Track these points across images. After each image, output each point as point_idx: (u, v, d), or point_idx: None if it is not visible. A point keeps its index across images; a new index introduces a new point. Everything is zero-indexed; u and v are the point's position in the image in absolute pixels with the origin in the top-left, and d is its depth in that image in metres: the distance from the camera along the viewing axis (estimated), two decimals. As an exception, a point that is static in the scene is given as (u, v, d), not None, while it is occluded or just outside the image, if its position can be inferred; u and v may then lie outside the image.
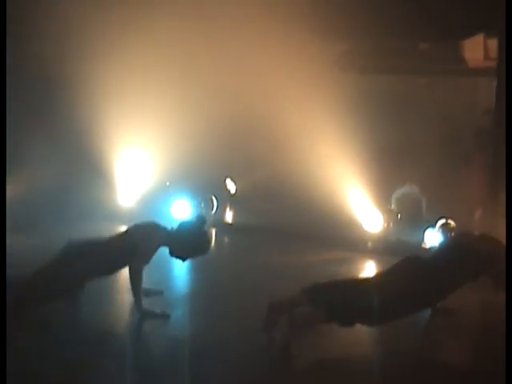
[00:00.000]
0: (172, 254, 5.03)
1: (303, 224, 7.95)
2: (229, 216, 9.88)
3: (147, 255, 4.89)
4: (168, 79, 8.43)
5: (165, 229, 5.04)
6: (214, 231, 8.56)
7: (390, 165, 9.11)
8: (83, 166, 8.22)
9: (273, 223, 8.32)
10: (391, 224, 7.75)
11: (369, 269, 6.89)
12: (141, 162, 9.01)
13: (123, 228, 7.89)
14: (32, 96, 7.93)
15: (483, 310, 5.14)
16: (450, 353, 4.45)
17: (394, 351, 4.13)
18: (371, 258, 7.11)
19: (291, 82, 8.76)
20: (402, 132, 9.83)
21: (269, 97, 8.96)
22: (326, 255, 7.08)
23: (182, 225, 5.07)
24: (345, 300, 4.18)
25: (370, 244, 7.47)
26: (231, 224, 9.15)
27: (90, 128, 8.05)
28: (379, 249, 7.31)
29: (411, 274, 4.51)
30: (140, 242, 4.88)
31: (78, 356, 4.04)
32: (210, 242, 5.12)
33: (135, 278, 4.76)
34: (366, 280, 4.67)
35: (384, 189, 8.32)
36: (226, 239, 8.46)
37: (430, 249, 6.68)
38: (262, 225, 8.39)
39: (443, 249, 5.24)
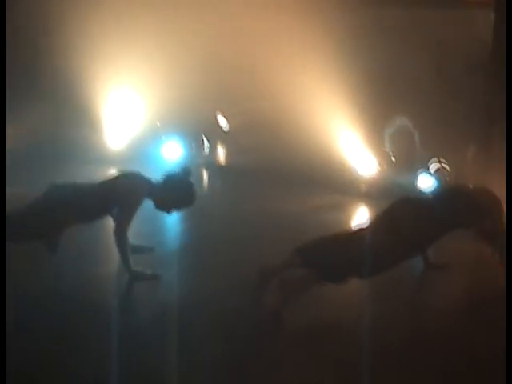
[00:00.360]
0: (156, 206, 4.94)
1: (295, 168, 7.80)
2: (220, 154, 9.84)
3: (131, 208, 4.73)
4: (156, 18, 8.24)
5: (149, 180, 4.92)
6: (205, 172, 8.60)
7: (383, 102, 8.99)
8: (71, 109, 8.10)
9: (264, 165, 8.22)
10: (385, 166, 7.67)
11: (362, 214, 6.86)
12: (130, 102, 8.87)
13: (113, 171, 7.99)
14: (18, 43, 7.74)
15: (476, 262, 5.11)
16: (444, 308, 4.41)
17: (387, 314, 4.11)
18: (365, 202, 7.06)
19: (281, 17, 8.59)
20: (395, 66, 9.65)
21: (260, 33, 8.77)
22: (319, 200, 7.02)
23: (166, 176, 4.94)
24: (336, 254, 4.13)
25: (363, 187, 7.42)
26: (223, 165, 9.10)
27: (78, 70, 7.90)
28: (373, 192, 7.25)
29: (402, 217, 4.45)
30: (124, 192, 4.76)
31: (61, 315, 4.05)
32: (194, 194, 4.94)
33: (121, 236, 4.63)
34: (358, 230, 4.57)
35: (377, 130, 8.23)
36: (217, 181, 8.40)
37: (424, 193, 6.62)
38: (254, 167, 8.32)
39: (438, 194, 5.27)
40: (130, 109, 8.83)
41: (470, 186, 5.05)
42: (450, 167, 7.22)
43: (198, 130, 9.31)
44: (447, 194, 4.86)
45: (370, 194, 7.24)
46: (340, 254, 4.13)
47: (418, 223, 4.41)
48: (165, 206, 4.95)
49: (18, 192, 5.98)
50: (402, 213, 4.52)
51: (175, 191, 4.89)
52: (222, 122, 11.08)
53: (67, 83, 7.93)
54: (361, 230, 4.51)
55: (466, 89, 8.35)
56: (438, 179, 7.04)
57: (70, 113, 8.16)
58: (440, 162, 7.22)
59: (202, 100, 9.71)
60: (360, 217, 6.80)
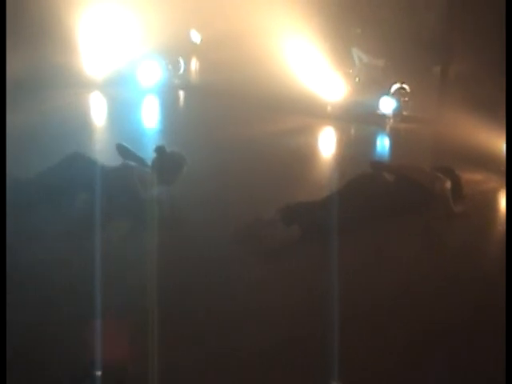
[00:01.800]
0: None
1: (264, 89, 8.16)
2: (194, 73, 10.20)
3: None
4: None
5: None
6: (181, 93, 8.99)
7: (348, 23, 9.33)
8: (52, 37, 8.25)
9: (235, 86, 8.50)
10: (350, 88, 8.11)
11: (328, 136, 7.36)
12: (105, 24, 9.00)
13: (90, 95, 8.34)
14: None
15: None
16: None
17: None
18: (330, 124, 7.50)
19: None
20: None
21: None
22: (288, 122, 7.44)
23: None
24: (315, 216, 4.48)
25: (329, 109, 7.84)
26: (196, 85, 9.48)
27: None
28: (338, 114, 7.69)
29: (367, 189, 4.79)
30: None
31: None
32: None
33: None
34: (331, 196, 4.81)
35: (342, 51, 8.63)
36: (191, 102, 8.73)
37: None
38: (226, 86, 8.58)
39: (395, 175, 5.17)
40: (107, 34, 8.98)
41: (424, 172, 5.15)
42: (411, 90, 7.70)
43: (174, 48, 9.56)
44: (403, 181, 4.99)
45: (336, 115, 7.69)
46: (319, 216, 4.47)
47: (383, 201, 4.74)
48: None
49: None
50: (365, 186, 4.82)
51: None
52: (195, 37, 11.38)
53: (47, 13, 8.08)
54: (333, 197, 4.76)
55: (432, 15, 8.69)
56: (397, 101, 7.55)
57: (51, 42, 8.31)
58: (401, 84, 7.69)
59: (176, 18, 9.93)
60: (326, 139, 7.32)
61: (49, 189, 4.85)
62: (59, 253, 4.08)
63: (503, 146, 5.81)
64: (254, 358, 3.09)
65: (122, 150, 5.19)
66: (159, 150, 5.11)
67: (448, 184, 4.97)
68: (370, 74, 8.54)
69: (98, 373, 2.31)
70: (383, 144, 7.24)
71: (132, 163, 5.02)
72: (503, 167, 5.61)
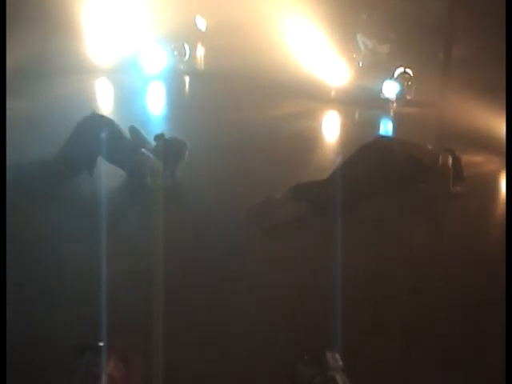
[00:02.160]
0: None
1: (268, 75, 8.26)
2: (199, 59, 10.26)
3: None
4: None
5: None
6: (187, 79, 9.06)
7: (352, 10, 9.38)
8: (58, 24, 8.31)
9: (240, 71, 8.60)
10: (353, 73, 8.17)
11: (333, 120, 7.44)
12: (110, 10, 9.03)
13: (96, 82, 8.42)
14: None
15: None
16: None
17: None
18: (335, 108, 7.58)
19: None
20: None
21: None
22: (292, 107, 7.54)
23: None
24: (323, 192, 4.62)
25: (333, 93, 7.92)
26: (202, 70, 9.55)
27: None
28: (342, 98, 7.77)
29: (370, 164, 4.85)
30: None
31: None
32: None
33: None
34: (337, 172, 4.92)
35: (345, 37, 8.69)
36: (197, 87, 8.77)
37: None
38: (231, 72, 8.67)
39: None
40: (112, 20, 9.03)
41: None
42: (415, 75, 7.75)
43: (179, 34, 9.63)
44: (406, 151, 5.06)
45: (340, 99, 7.77)
46: (326, 191, 4.62)
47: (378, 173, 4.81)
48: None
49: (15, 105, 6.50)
50: (364, 162, 4.90)
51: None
52: (201, 24, 11.43)
53: (52, 2, 8.13)
54: (337, 172, 4.88)
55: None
56: (401, 85, 7.61)
57: (56, 28, 8.37)
58: (404, 68, 7.74)
59: (181, 4, 9.98)
60: (331, 123, 7.40)
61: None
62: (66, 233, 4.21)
63: (504, 129, 5.89)
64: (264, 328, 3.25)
65: (134, 133, 5.30)
66: (159, 137, 5.22)
67: (450, 161, 5.06)
68: (374, 59, 8.59)
69: (101, 344, 2.40)
70: (387, 128, 7.30)
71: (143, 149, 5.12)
72: (503, 149, 5.69)
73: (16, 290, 3.34)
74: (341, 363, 2.45)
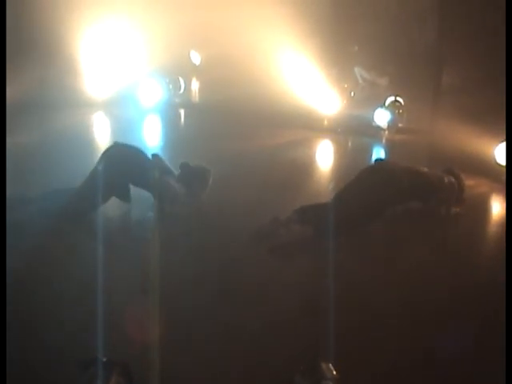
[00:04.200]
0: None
1: (262, 104, 8.47)
2: (194, 92, 10.45)
3: None
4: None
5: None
6: (182, 112, 9.22)
7: (345, 41, 9.61)
8: (56, 60, 8.50)
9: (234, 102, 8.81)
10: (345, 102, 8.34)
11: (325, 149, 7.55)
12: (107, 46, 9.30)
13: (93, 116, 8.56)
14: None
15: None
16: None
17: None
18: (328, 137, 7.73)
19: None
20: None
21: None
22: (287, 136, 7.67)
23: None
24: (327, 215, 4.67)
25: (326, 123, 8.08)
26: (196, 103, 9.72)
27: (60, 23, 8.28)
28: (335, 127, 7.94)
29: (371, 184, 5.00)
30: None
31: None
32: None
33: None
34: (340, 194, 5.07)
35: (338, 67, 8.87)
36: (192, 119, 8.94)
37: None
38: (225, 103, 8.89)
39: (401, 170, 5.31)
40: (109, 55, 9.27)
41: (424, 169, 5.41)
42: (405, 103, 7.92)
43: (174, 68, 9.82)
44: (408, 173, 5.20)
45: (332, 128, 7.92)
46: (331, 214, 4.70)
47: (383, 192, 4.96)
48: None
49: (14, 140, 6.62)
50: (368, 182, 5.03)
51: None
52: (195, 58, 11.66)
53: (51, 38, 8.32)
54: (342, 195, 5.03)
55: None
56: (392, 113, 7.77)
57: (54, 64, 8.55)
58: (395, 97, 7.91)
59: (176, 39, 10.21)
60: (324, 151, 7.52)
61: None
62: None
63: (493, 153, 6.04)
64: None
65: (157, 161, 5.37)
66: (183, 166, 5.35)
67: (454, 180, 5.24)
68: (368, 90, 8.78)
69: (104, 359, 2.47)
70: (379, 155, 7.42)
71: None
72: (493, 172, 5.84)
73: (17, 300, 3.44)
74: (335, 373, 2.53)
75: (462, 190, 5.31)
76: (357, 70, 9.42)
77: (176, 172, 5.34)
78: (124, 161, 5.19)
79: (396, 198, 5.03)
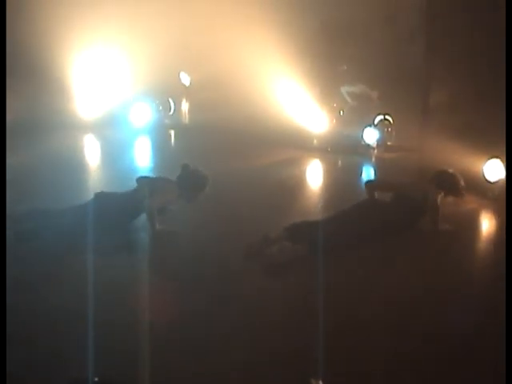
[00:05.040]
0: None
1: (252, 124, 8.49)
2: (184, 113, 10.49)
3: None
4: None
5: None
6: (172, 133, 9.25)
7: (334, 59, 9.68)
8: (47, 83, 8.54)
9: (223, 123, 8.82)
10: (334, 121, 8.39)
11: (315, 168, 7.59)
12: (97, 68, 9.32)
13: (84, 137, 8.59)
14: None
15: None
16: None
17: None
18: (317, 156, 7.76)
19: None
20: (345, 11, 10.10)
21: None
22: (276, 155, 7.69)
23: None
24: (318, 233, 4.74)
25: (315, 142, 8.11)
26: (186, 124, 9.76)
27: (50, 46, 8.32)
28: (324, 146, 7.97)
29: (366, 215, 5.16)
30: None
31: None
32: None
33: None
34: (334, 218, 5.18)
35: (327, 86, 8.93)
36: (182, 140, 8.97)
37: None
38: (214, 124, 8.88)
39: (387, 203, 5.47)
40: (99, 77, 9.30)
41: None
42: (394, 121, 7.97)
43: (164, 90, 9.85)
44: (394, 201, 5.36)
45: (321, 147, 7.95)
46: (325, 234, 4.76)
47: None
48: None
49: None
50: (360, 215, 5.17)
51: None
52: (185, 79, 11.70)
53: (41, 60, 8.36)
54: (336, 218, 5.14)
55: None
56: (381, 131, 7.82)
57: (44, 86, 8.58)
58: (384, 115, 7.96)
59: (166, 61, 10.26)
60: (313, 170, 7.56)
61: None
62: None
63: (482, 170, 6.08)
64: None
65: (143, 181, 5.47)
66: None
67: (439, 197, 5.31)
68: (359, 105, 8.83)
69: (96, 379, 2.47)
70: (369, 173, 7.47)
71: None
72: (482, 189, 5.89)
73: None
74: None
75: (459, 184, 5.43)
76: (343, 89, 9.46)
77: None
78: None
79: (385, 225, 5.12)
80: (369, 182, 5.90)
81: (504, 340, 3.01)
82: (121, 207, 5.25)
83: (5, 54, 6.57)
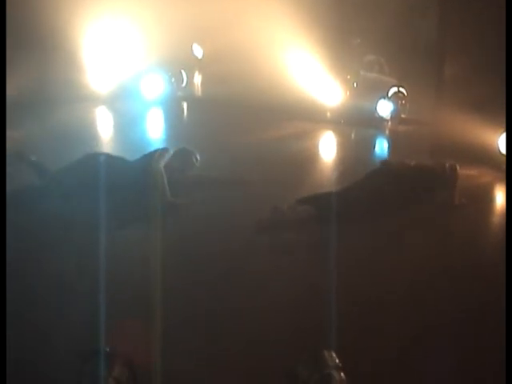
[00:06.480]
0: None
1: (264, 97, 8.43)
2: (196, 85, 10.45)
3: None
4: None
5: None
6: (184, 105, 9.22)
7: (346, 31, 9.57)
8: (57, 54, 8.51)
9: (236, 95, 8.78)
10: (348, 93, 8.33)
11: (328, 140, 7.56)
12: (109, 40, 9.24)
13: (95, 110, 8.57)
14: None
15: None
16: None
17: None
18: (330, 128, 7.72)
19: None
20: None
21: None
22: (289, 128, 7.67)
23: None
24: (330, 204, 4.77)
25: (328, 114, 8.06)
26: (199, 96, 9.72)
27: (61, 18, 8.27)
28: (337, 118, 7.93)
29: (379, 183, 5.14)
30: None
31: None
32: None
33: None
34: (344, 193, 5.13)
35: (340, 59, 8.84)
36: (195, 112, 8.97)
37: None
38: (227, 96, 8.86)
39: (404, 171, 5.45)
40: (111, 49, 9.24)
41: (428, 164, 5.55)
42: (408, 93, 7.89)
43: (176, 62, 9.80)
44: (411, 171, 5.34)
45: (335, 120, 7.91)
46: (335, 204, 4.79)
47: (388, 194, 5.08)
48: None
49: (17, 135, 6.66)
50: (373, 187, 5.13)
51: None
52: (198, 52, 11.63)
53: (53, 33, 8.31)
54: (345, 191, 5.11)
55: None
56: (395, 104, 7.75)
57: (56, 58, 8.55)
58: (398, 88, 7.89)
59: (178, 33, 10.18)
60: (327, 143, 7.53)
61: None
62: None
63: (496, 142, 6.02)
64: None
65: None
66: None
67: (456, 171, 5.29)
68: (373, 81, 8.76)
69: (107, 349, 2.48)
70: (382, 146, 7.43)
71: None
72: (497, 162, 5.83)
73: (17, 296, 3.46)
74: (337, 361, 2.54)
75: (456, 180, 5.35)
76: (357, 61, 9.38)
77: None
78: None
79: (400, 198, 5.09)
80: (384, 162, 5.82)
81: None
82: (133, 175, 5.26)
83: (5, 53, 6.53)
